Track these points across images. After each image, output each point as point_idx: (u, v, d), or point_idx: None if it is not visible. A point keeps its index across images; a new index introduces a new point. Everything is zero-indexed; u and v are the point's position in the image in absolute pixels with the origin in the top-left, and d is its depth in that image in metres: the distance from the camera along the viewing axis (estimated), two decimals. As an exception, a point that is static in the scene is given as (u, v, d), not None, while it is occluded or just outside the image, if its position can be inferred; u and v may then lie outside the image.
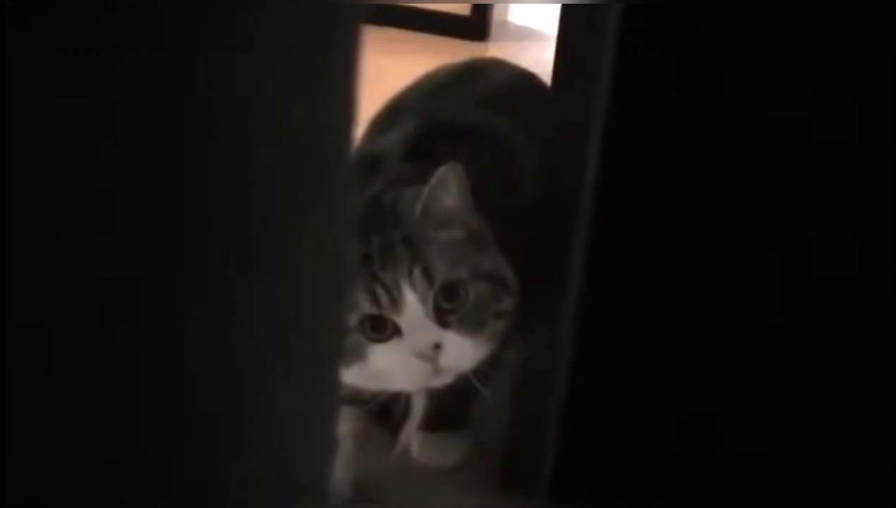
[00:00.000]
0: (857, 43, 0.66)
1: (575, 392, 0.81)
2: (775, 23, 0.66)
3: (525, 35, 2.99)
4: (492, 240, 0.84)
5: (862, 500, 0.76)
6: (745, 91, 0.68)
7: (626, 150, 0.72)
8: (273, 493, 0.40)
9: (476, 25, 2.85)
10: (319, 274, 0.41)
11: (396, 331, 0.79)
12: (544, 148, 0.85)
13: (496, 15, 2.94)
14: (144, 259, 0.33)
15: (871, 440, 0.75)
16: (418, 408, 0.96)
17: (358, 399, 0.87)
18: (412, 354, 0.78)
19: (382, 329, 0.79)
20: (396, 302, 0.78)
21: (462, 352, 0.80)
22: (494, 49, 2.73)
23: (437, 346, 0.78)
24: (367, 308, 0.78)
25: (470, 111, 1.00)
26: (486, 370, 0.83)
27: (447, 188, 0.79)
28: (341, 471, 0.90)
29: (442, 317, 0.79)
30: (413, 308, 0.78)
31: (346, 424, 0.91)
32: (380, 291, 0.77)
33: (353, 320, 0.78)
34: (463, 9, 2.85)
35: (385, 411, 0.89)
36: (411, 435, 0.97)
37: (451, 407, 0.95)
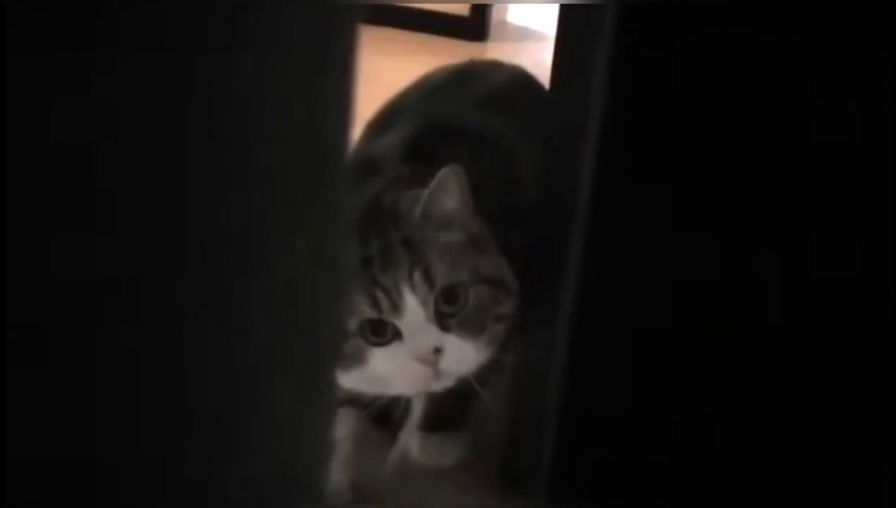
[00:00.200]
0: (856, 43, 0.66)
1: (573, 392, 0.81)
2: (774, 22, 0.66)
3: (524, 35, 2.99)
4: (492, 242, 0.84)
5: (862, 500, 0.76)
6: (744, 91, 0.68)
7: (625, 150, 0.73)
8: (273, 493, 0.40)
9: (475, 25, 2.85)
10: (319, 274, 0.41)
11: (396, 335, 0.78)
12: (543, 148, 0.85)
13: (495, 15, 2.95)
14: (144, 259, 0.33)
15: (871, 440, 0.75)
16: (417, 409, 0.96)
17: (358, 402, 0.87)
18: (412, 358, 0.78)
19: (382, 333, 0.78)
20: (397, 306, 0.77)
21: (462, 356, 0.80)
22: (493, 49, 2.73)
23: (438, 350, 0.78)
24: (367, 312, 0.78)
25: (469, 112, 1.00)
26: (485, 373, 0.83)
27: (448, 190, 0.79)
28: (340, 473, 0.90)
29: (442, 321, 0.79)
30: (413, 311, 0.77)
31: (346, 426, 0.91)
32: (380, 295, 0.77)
33: (353, 324, 0.78)
34: (462, 9, 2.86)
35: (384, 414, 0.89)
36: (410, 436, 0.97)
37: (450, 407, 0.95)
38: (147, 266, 0.33)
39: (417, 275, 0.77)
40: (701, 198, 0.72)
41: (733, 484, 0.79)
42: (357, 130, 0.99)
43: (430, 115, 0.99)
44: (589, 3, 0.72)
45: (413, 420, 0.96)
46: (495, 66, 1.19)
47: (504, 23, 3.09)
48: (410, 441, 0.97)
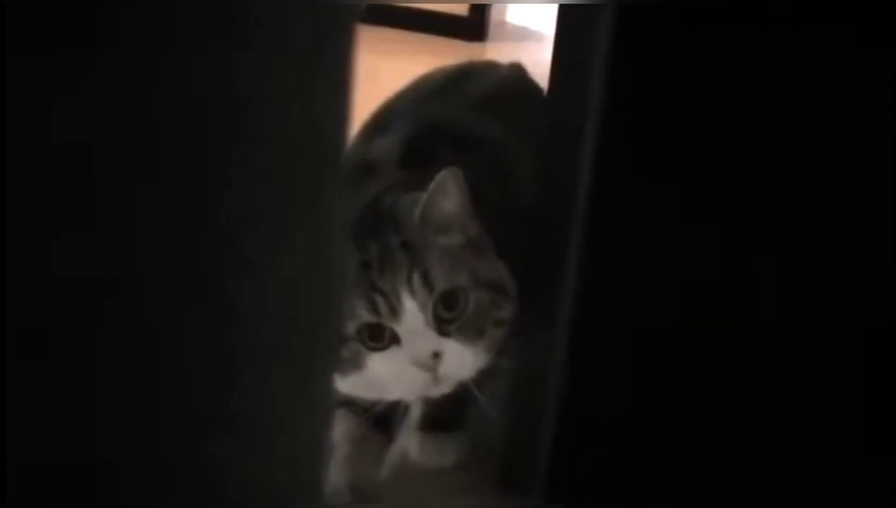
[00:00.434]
0: (855, 43, 0.66)
1: (572, 392, 0.81)
2: (773, 22, 0.66)
3: (523, 35, 2.99)
4: (490, 245, 0.83)
5: (862, 500, 0.76)
6: (743, 91, 0.68)
7: (624, 150, 0.72)
8: (273, 493, 0.40)
9: (474, 26, 2.86)
10: (318, 274, 0.41)
11: (395, 340, 0.78)
12: (541, 148, 0.85)
13: (494, 15, 2.95)
14: (144, 259, 0.33)
15: (871, 440, 0.75)
16: (416, 410, 0.96)
17: (356, 406, 0.86)
18: (411, 363, 0.77)
19: (380, 337, 0.78)
20: (395, 310, 0.77)
21: (461, 361, 0.79)
22: (492, 49, 2.73)
23: (437, 355, 0.77)
24: (365, 316, 0.77)
25: (465, 114, 1.00)
26: (483, 378, 0.82)
27: (446, 193, 0.78)
28: (338, 474, 0.90)
29: (441, 326, 0.78)
30: (412, 316, 0.77)
31: (344, 428, 0.91)
32: (378, 299, 0.76)
33: (351, 328, 0.77)
34: (461, 9, 2.86)
35: (383, 418, 0.88)
36: (409, 436, 0.97)
37: (448, 408, 0.95)
38: (147, 266, 0.33)
39: (416, 279, 0.77)
40: (700, 198, 0.72)
41: (733, 484, 0.79)
42: (355, 131, 0.98)
43: (426, 117, 0.98)
44: (588, 3, 0.72)
45: (412, 420, 0.96)
46: (491, 68, 1.19)
47: (503, 23, 3.09)
48: (409, 441, 0.97)
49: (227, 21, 0.33)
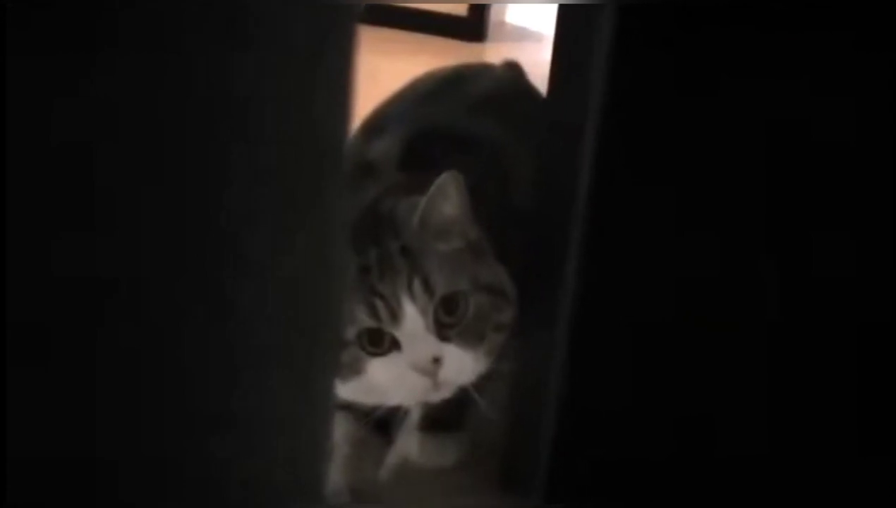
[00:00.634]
0: (855, 43, 0.66)
1: (572, 392, 0.81)
2: (774, 22, 0.66)
3: (522, 36, 2.99)
4: (489, 249, 0.83)
5: (862, 500, 0.76)
6: (743, 91, 0.68)
7: (623, 151, 0.72)
8: (273, 493, 0.40)
9: (473, 26, 2.86)
10: (318, 274, 0.41)
11: (395, 345, 0.77)
12: (541, 149, 0.85)
13: (493, 15, 2.95)
14: (144, 259, 0.33)
15: (871, 440, 0.75)
16: (416, 411, 0.95)
17: (356, 409, 0.86)
18: (411, 368, 0.77)
19: (380, 342, 0.77)
20: (396, 315, 0.76)
21: (462, 366, 0.79)
22: (492, 49, 2.73)
23: (437, 360, 0.77)
24: (364, 321, 0.76)
25: (463, 116, 1.00)
26: (483, 383, 0.82)
27: (446, 197, 0.78)
28: (338, 475, 0.89)
29: (442, 331, 0.77)
30: (413, 321, 0.76)
31: (344, 431, 0.90)
32: (378, 303, 0.76)
33: (351, 333, 0.77)
34: (460, 9, 2.86)
35: (383, 421, 0.88)
36: (409, 437, 0.97)
37: (448, 409, 0.95)
38: (147, 266, 0.33)
39: (417, 284, 0.76)
40: (700, 198, 0.72)
41: (733, 484, 0.79)
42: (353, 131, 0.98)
43: (424, 121, 0.98)
44: (587, 3, 0.72)
45: (412, 421, 0.96)
46: (486, 69, 1.19)
47: (502, 23, 3.09)
48: (409, 441, 0.97)
49: (227, 21, 0.33)
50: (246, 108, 0.34)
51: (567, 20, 0.77)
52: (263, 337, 0.37)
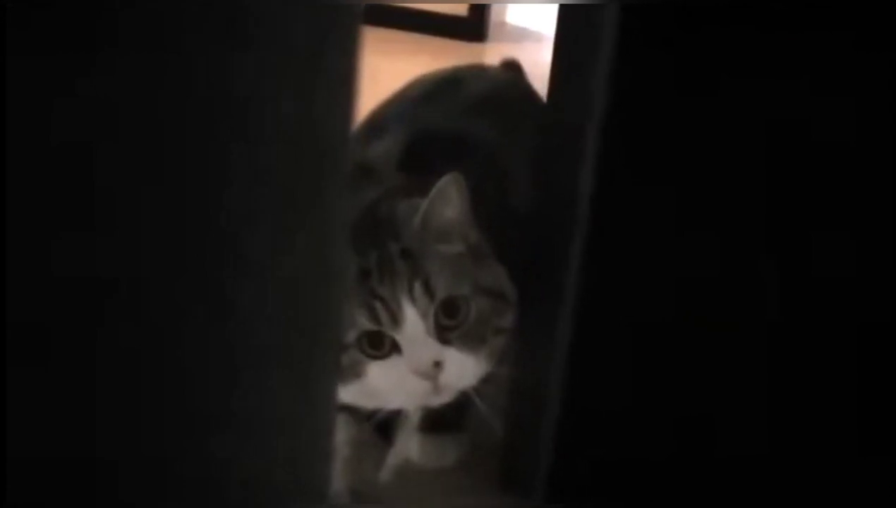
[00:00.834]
0: (855, 43, 0.66)
1: (572, 392, 0.81)
2: (774, 22, 0.66)
3: (523, 36, 2.99)
4: (490, 252, 0.83)
5: (862, 500, 0.76)
6: (743, 91, 0.68)
7: (624, 151, 0.72)
8: (273, 493, 0.40)
9: (474, 26, 2.86)
10: (318, 274, 0.41)
11: (395, 348, 0.76)
12: (541, 150, 0.85)
13: (494, 16, 2.95)
14: (144, 259, 0.33)
15: (871, 440, 0.75)
16: (416, 414, 0.95)
17: (356, 412, 0.86)
18: (412, 372, 0.76)
19: (380, 346, 0.76)
20: (396, 318, 0.75)
21: (463, 370, 0.78)
22: (492, 49, 2.73)
23: (438, 364, 0.76)
24: (365, 324, 0.75)
25: (460, 119, 0.99)
26: (483, 387, 0.81)
27: (447, 199, 0.77)
28: (339, 477, 0.89)
29: (442, 334, 0.77)
30: (413, 324, 0.75)
31: (345, 434, 0.90)
32: (378, 306, 0.75)
33: (351, 336, 0.76)
34: (460, 9, 2.86)
35: (383, 424, 0.88)
36: (409, 437, 0.97)
37: (448, 410, 0.94)
38: (147, 266, 0.33)
39: (418, 287, 0.75)
40: (700, 198, 0.72)
41: (733, 484, 0.79)
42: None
43: (422, 123, 0.97)
44: (588, 3, 0.72)
45: (412, 422, 0.96)
46: (482, 70, 1.18)
47: (503, 23, 3.09)
48: (409, 442, 0.96)
49: (227, 21, 0.33)
50: (246, 108, 0.34)
51: (568, 20, 0.77)
52: (263, 337, 0.37)
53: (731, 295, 0.74)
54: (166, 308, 0.34)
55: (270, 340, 0.38)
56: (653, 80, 0.70)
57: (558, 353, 0.80)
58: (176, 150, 0.33)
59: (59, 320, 0.32)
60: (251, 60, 0.34)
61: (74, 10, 0.30)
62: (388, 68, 1.31)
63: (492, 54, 1.26)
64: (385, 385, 0.77)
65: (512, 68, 1.22)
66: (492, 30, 2.91)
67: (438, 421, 0.95)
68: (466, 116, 0.99)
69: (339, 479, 0.89)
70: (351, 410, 0.85)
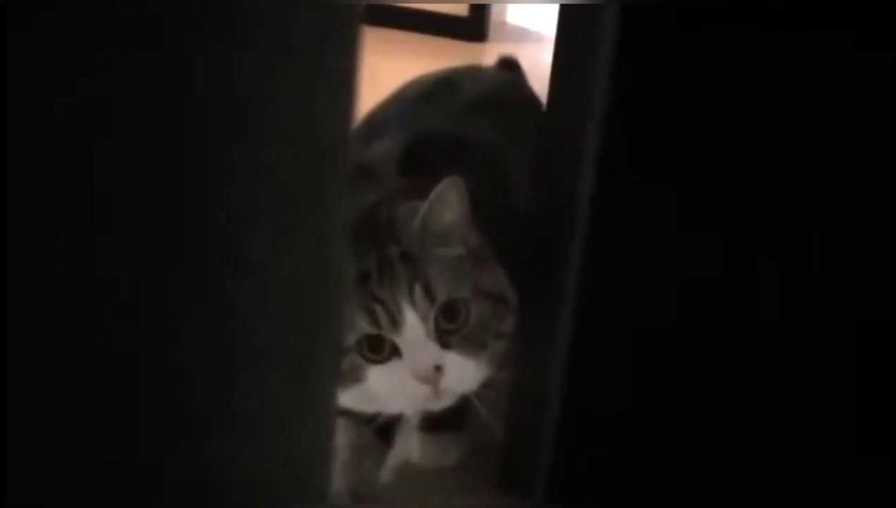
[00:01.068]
0: (855, 43, 0.66)
1: (572, 392, 0.81)
2: (774, 22, 0.66)
3: (523, 36, 2.99)
4: (490, 254, 0.82)
5: (862, 500, 0.76)
6: (744, 91, 0.68)
7: (624, 151, 0.72)
8: (273, 493, 0.40)
9: (474, 26, 2.85)
10: (318, 273, 0.41)
11: (395, 352, 0.76)
12: (542, 150, 0.85)
13: (494, 16, 2.95)
14: (144, 259, 0.33)
15: (871, 440, 0.75)
16: (415, 416, 0.95)
17: (356, 417, 0.85)
18: (412, 376, 0.75)
19: (380, 349, 0.76)
20: (396, 322, 0.75)
21: (463, 374, 0.77)
22: (492, 50, 2.73)
23: (438, 368, 0.75)
24: (364, 327, 0.74)
25: (458, 121, 0.99)
26: (483, 391, 0.81)
27: (447, 202, 0.77)
28: (339, 478, 0.89)
29: (443, 338, 0.76)
30: (413, 328, 0.75)
31: (344, 438, 0.90)
32: (378, 310, 0.75)
33: (351, 340, 0.76)
34: (461, 9, 2.85)
35: (383, 427, 0.87)
36: (409, 437, 0.96)
37: (448, 410, 0.94)
38: (147, 266, 0.33)
39: (418, 291, 0.75)
40: (700, 198, 0.72)
41: (733, 485, 0.79)
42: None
43: (421, 125, 0.97)
44: (588, 3, 0.72)
45: (410, 423, 0.95)
46: (478, 71, 1.18)
47: (503, 23, 3.09)
48: (409, 442, 0.96)
49: (227, 21, 0.33)
50: (246, 108, 0.34)
51: (568, 20, 0.77)
52: (263, 337, 0.37)
53: (731, 295, 0.74)
54: (166, 308, 0.34)
55: (270, 340, 0.38)
56: (653, 80, 0.70)
57: (558, 353, 0.80)
58: (176, 150, 0.33)
59: (59, 320, 0.32)
60: (251, 60, 0.34)
61: (74, 10, 0.30)
62: (388, 68, 1.31)
63: (492, 54, 1.26)
64: (385, 389, 0.77)
65: (509, 66, 1.22)
66: (492, 30, 2.90)
67: (438, 421, 0.95)
68: (465, 118, 0.99)
69: (339, 480, 0.89)
70: (351, 414, 0.85)
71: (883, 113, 0.66)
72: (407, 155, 0.90)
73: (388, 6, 2.61)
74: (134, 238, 0.33)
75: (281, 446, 0.41)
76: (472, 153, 0.92)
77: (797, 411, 0.76)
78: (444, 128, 0.96)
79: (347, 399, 0.78)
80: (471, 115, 0.99)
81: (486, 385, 0.80)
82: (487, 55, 2.62)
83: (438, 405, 0.79)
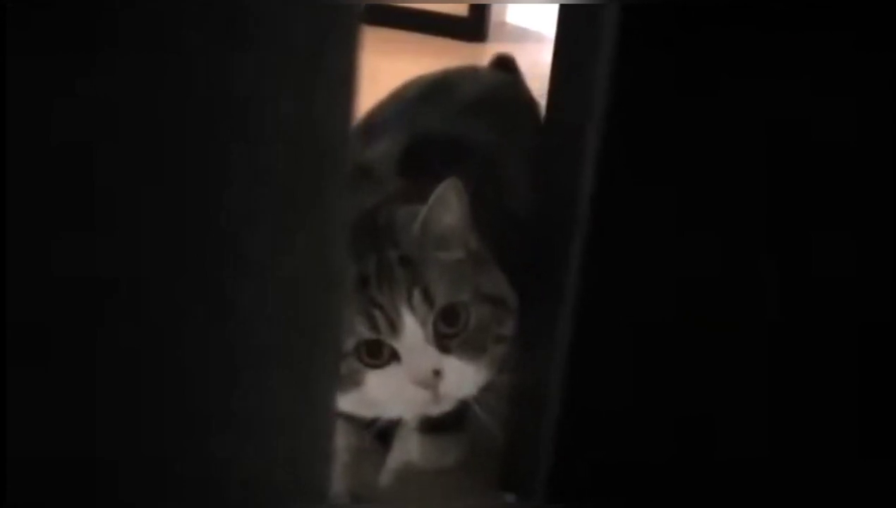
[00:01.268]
0: (855, 43, 0.66)
1: (572, 393, 0.81)
2: (774, 22, 0.66)
3: (523, 36, 2.99)
4: (490, 257, 0.82)
5: (862, 501, 0.76)
6: (744, 91, 0.68)
7: (624, 151, 0.72)
8: (273, 493, 0.40)
9: (474, 26, 2.86)
10: (318, 273, 0.41)
11: (394, 357, 0.75)
12: (541, 151, 0.85)
13: (494, 15, 2.95)
14: (144, 259, 0.33)
15: (871, 441, 0.75)
16: (414, 419, 0.95)
17: (356, 421, 0.85)
18: (411, 381, 0.75)
19: (379, 354, 0.75)
20: (395, 326, 0.74)
21: (463, 379, 0.77)
22: (492, 50, 2.73)
23: (437, 373, 0.75)
24: (363, 332, 0.74)
25: (456, 122, 0.99)
26: (483, 395, 0.81)
27: (447, 205, 0.76)
28: (338, 480, 0.89)
29: (442, 342, 0.76)
30: (412, 332, 0.74)
31: (344, 441, 0.90)
32: (377, 314, 0.74)
33: (350, 345, 0.75)
34: (461, 9, 2.86)
35: (383, 431, 0.87)
36: (409, 438, 0.96)
37: (448, 414, 0.94)
38: (147, 266, 0.33)
39: (417, 295, 0.74)
40: (700, 198, 0.72)
41: (733, 486, 0.79)
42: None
43: (419, 126, 0.97)
44: (588, 3, 0.72)
45: (410, 425, 0.95)
46: (474, 72, 1.18)
47: (503, 23, 3.09)
48: (409, 443, 0.96)
49: (227, 21, 0.33)
50: (246, 108, 0.34)
51: (568, 20, 0.77)
52: (263, 337, 0.37)
53: (732, 295, 0.74)
54: (166, 308, 0.34)
55: (270, 340, 0.38)
56: (653, 80, 0.70)
57: (558, 354, 0.80)
58: (176, 150, 0.33)
59: (59, 320, 0.32)
60: (251, 60, 0.34)
61: (74, 10, 0.30)
62: (388, 68, 1.31)
63: (492, 54, 1.26)
64: (384, 394, 0.76)
65: (506, 65, 1.22)
66: (492, 30, 2.91)
67: (438, 423, 0.95)
68: (463, 119, 0.98)
69: (338, 482, 0.89)
70: (350, 418, 0.84)
71: (883, 113, 0.66)
72: (406, 155, 0.90)
73: (388, 6, 2.61)
74: (134, 238, 0.33)
75: (281, 446, 0.41)
76: (471, 154, 0.92)
77: (797, 412, 0.76)
78: (442, 129, 0.96)
79: (346, 403, 0.77)
80: (469, 116, 0.99)
81: (486, 389, 0.80)
82: (487, 55, 2.61)
83: (437, 409, 0.79)
